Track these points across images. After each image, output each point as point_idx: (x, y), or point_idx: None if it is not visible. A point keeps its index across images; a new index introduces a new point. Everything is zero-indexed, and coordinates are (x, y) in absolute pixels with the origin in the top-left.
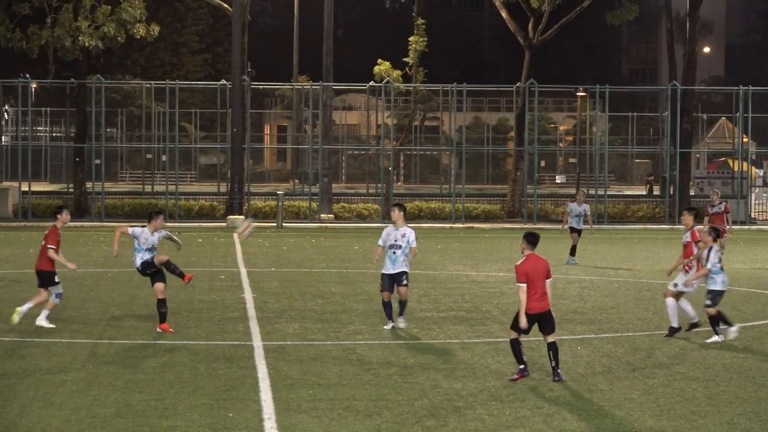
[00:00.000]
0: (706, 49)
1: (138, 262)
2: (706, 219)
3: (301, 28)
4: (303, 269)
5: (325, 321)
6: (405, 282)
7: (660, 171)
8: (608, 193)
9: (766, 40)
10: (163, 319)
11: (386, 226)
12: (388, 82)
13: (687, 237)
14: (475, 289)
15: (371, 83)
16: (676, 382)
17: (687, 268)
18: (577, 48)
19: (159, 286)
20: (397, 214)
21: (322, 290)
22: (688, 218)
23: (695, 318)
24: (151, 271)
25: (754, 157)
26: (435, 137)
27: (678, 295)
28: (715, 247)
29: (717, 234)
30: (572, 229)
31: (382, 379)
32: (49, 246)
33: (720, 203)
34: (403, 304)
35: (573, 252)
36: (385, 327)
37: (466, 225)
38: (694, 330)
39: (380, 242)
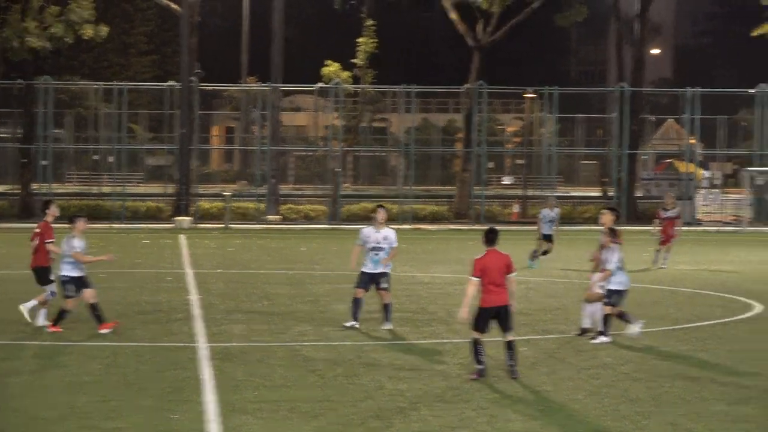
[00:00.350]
0: (655, 51)
1: (65, 272)
2: (656, 221)
3: (252, 29)
4: (249, 270)
5: (271, 322)
6: (385, 285)
7: (609, 172)
8: (556, 194)
9: (715, 42)
10: (100, 320)
11: (363, 227)
12: (337, 83)
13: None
14: (422, 290)
15: (320, 84)
16: (620, 382)
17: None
18: (526, 49)
19: (89, 292)
20: (383, 215)
21: (269, 291)
22: (607, 217)
23: (586, 326)
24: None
25: (701, 158)
26: (383, 138)
27: (601, 298)
28: (616, 247)
29: (615, 235)
30: (543, 236)
31: (327, 380)
32: (47, 241)
33: (674, 208)
34: (387, 307)
35: (534, 256)
36: (345, 324)
37: (413, 226)
38: (584, 335)
39: (358, 242)
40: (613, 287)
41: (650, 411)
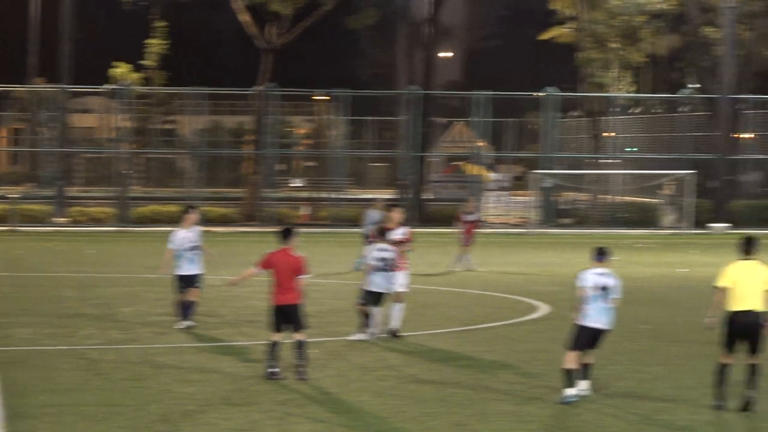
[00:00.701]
0: (446, 54)
1: None
2: (458, 224)
3: (40, 29)
4: (37, 273)
5: (58, 326)
6: (199, 284)
7: (399, 175)
8: (346, 196)
9: (505, 45)
10: None
11: (174, 230)
12: (127, 84)
13: (399, 234)
14: (211, 293)
15: (110, 86)
16: (407, 384)
17: (401, 266)
18: (318, 52)
19: None
20: (195, 216)
21: (56, 295)
22: (397, 215)
23: (395, 327)
24: None
25: (489, 161)
26: (173, 140)
27: (399, 297)
28: (378, 246)
29: (381, 234)
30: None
31: (114, 383)
32: None
33: (476, 212)
34: (191, 305)
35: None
36: (184, 324)
37: (202, 229)
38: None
39: (172, 246)
40: (373, 288)
41: (437, 412)
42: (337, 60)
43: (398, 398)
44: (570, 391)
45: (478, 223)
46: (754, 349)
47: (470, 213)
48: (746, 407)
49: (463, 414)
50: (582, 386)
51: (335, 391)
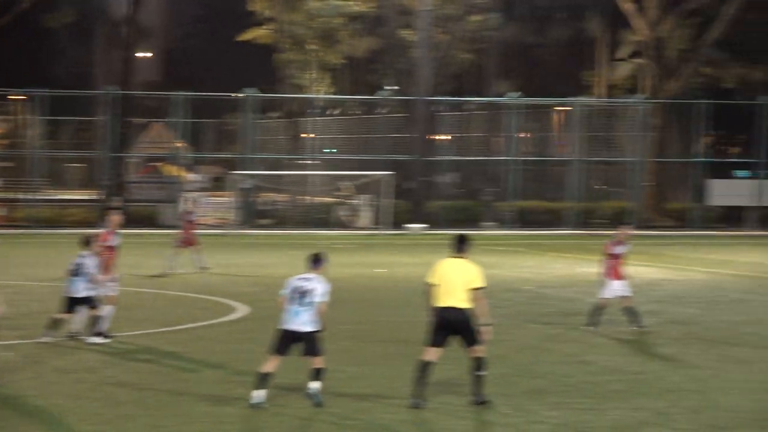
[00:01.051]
0: (144, 54)
1: None
2: (185, 224)
3: None
4: None
5: None
6: None
7: (97, 176)
8: (43, 197)
9: (203, 44)
10: None
11: None
12: None
13: (117, 239)
14: None
15: None
16: (105, 386)
17: (111, 269)
18: (16, 51)
19: None
20: None
21: None
22: (116, 218)
23: (97, 328)
24: None
25: (189, 162)
26: None
27: (110, 299)
28: (79, 252)
29: (87, 242)
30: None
31: None
32: None
33: (193, 211)
34: None
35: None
36: None
37: None
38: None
39: None
40: (66, 294)
41: (134, 414)
42: (34, 59)
43: (95, 401)
44: (257, 393)
45: (194, 222)
46: (469, 343)
47: (191, 212)
48: (481, 402)
49: (161, 416)
50: (313, 387)
51: (31, 394)
